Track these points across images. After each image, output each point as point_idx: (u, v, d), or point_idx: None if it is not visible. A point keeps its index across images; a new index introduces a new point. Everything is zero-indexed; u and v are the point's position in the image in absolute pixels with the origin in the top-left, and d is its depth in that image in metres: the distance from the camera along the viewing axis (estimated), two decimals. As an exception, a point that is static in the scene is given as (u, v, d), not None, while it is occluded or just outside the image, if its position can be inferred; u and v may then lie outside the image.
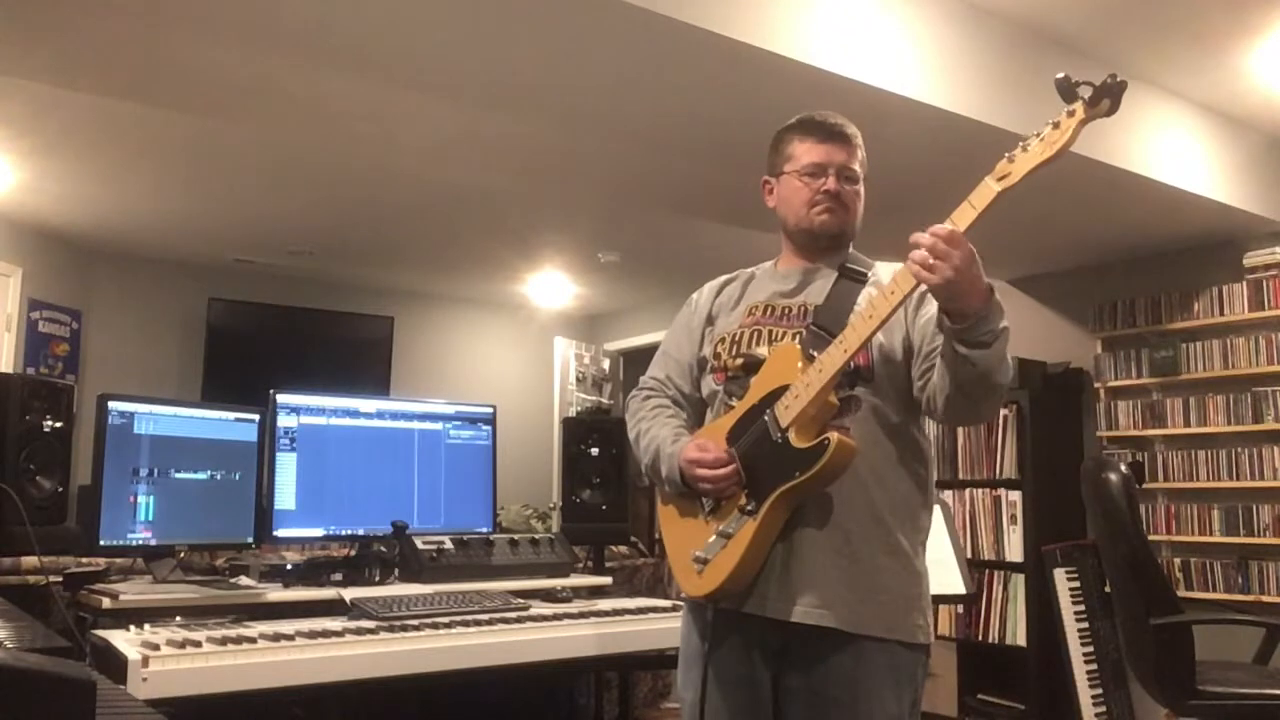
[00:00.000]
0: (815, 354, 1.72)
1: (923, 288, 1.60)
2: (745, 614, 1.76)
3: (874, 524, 1.75)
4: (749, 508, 1.73)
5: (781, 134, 1.95)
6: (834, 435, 1.66)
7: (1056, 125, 1.53)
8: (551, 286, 7.42)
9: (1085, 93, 1.52)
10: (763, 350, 1.83)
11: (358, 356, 7.28)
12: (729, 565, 1.73)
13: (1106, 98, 1.51)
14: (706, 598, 1.78)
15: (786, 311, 1.87)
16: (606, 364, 8.36)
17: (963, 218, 1.57)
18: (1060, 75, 1.53)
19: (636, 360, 7.80)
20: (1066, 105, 1.54)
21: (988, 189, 1.57)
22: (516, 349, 8.15)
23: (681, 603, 1.94)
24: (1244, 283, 4.65)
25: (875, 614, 1.73)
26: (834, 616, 1.71)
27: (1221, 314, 4.72)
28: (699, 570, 1.78)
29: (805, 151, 1.88)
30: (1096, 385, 5.13)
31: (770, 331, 1.85)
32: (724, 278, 2.03)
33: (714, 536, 1.77)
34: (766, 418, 1.74)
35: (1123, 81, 1.51)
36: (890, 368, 1.79)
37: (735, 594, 1.75)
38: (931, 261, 1.53)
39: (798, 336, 1.80)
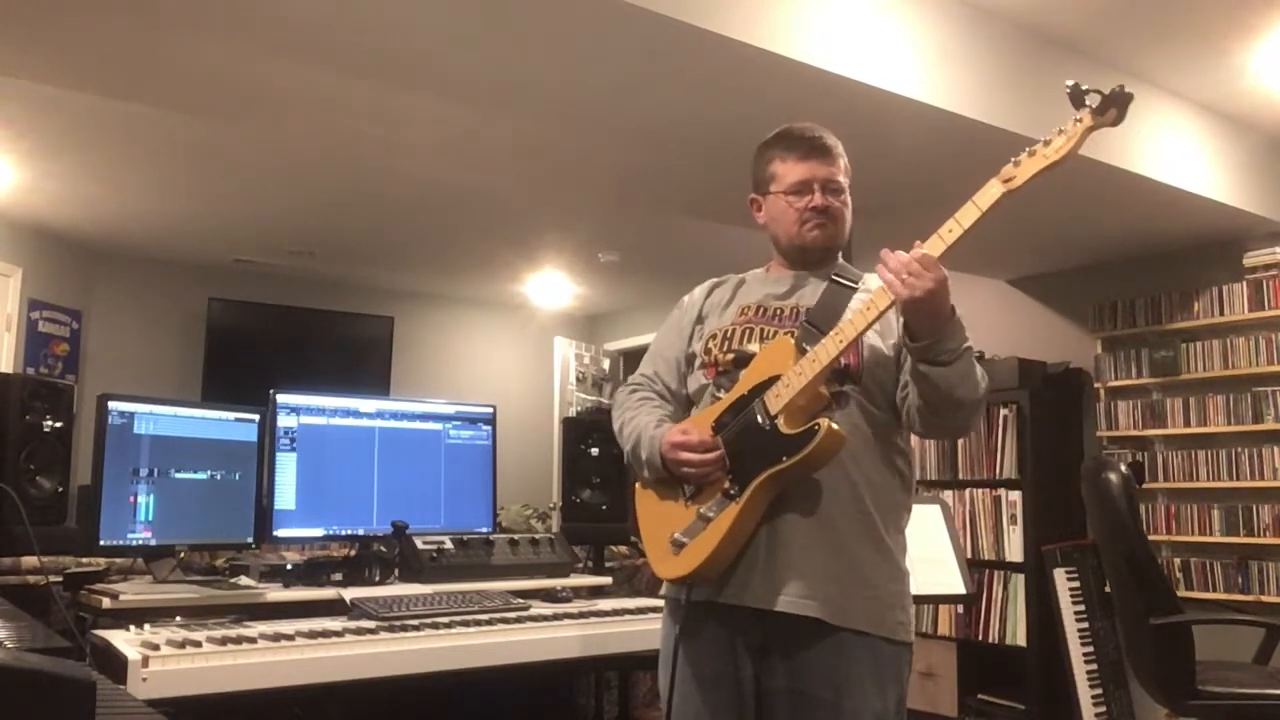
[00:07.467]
0: (809, 348, 1.73)
1: None
2: (726, 605, 1.76)
3: (860, 518, 1.76)
4: (732, 491, 1.74)
5: (762, 152, 1.97)
6: (824, 421, 1.67)
7: (1063, 132, 1.58)
8: (551, 286, 7.41)
9: (1093, 101, 1.55)
10: (754, 346, 1.85)
11: (358, 356, 7.28)
12: (707, 548, 1.73)
13: (1114, 107, 1.56)
14: (681, 580, 1.78)
15: (779, 312, 1.89)
16: (606, 364, 8.35)
17: (966, 216, 1.62)
18: (1070, 83, 1.57)
19: (636, 360, 7.73)
20: (1075, 111, 1.57)
21: (992, 191, 1.61)
22: (516, 349, 8.14)
23: None
24: (1244, 283, 4.64)
25: (859, 608, 1.73)
26: (818, 607, 1.71)
27: (1221, 314, 4.72)
28: (675, 553, 1.78)
29: (788, 170, 1.89)
30: (1096, 385, 5.13)
31: (762, 330, 1.87)
32: (714, 280, 2.05)
33: (694, 520, 1.77)
34: (755, 405, 1.75)
35: (1129, 93, 1.55)
36: (878, 370, 1.81)
37: (710, 579, 1.75)
38: (905, 277, 1.59)
39: (790, 335, 1.81)
